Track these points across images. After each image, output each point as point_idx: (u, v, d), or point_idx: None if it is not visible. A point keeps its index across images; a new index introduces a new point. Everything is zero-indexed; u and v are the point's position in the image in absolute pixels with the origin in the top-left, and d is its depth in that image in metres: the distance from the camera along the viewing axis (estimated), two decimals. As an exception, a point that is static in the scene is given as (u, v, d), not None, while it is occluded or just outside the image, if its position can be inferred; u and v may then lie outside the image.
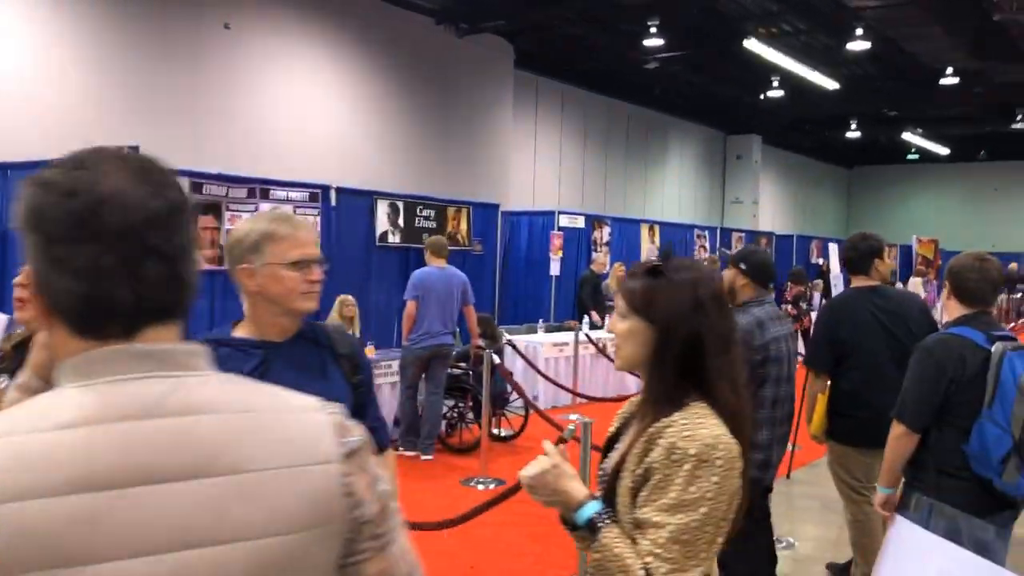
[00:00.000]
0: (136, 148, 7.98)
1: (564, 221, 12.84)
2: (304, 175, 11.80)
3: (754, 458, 3.88)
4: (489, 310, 12.07)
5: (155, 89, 14.84)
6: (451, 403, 7.83)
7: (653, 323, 1.82)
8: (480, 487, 6.62)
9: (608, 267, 11.96)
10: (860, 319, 4.41)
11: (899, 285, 17.57)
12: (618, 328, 1.90)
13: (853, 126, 24.55)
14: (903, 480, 3.49)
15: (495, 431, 8.06)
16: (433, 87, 18.69)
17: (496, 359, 6.95)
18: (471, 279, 11.51)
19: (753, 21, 17.31)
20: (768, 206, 27.00)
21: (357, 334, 8.44)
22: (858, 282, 4.59)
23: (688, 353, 1.77)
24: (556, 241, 12.59)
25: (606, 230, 13.69)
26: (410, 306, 7.29)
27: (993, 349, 3.24)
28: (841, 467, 4.52)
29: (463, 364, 7.84)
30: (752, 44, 17.18)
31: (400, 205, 10.71)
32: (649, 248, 14.62)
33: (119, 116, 14.23)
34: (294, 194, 9.57)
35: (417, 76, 18.37)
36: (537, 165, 21.91)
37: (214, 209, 8.79)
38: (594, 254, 12.03)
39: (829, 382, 4.48)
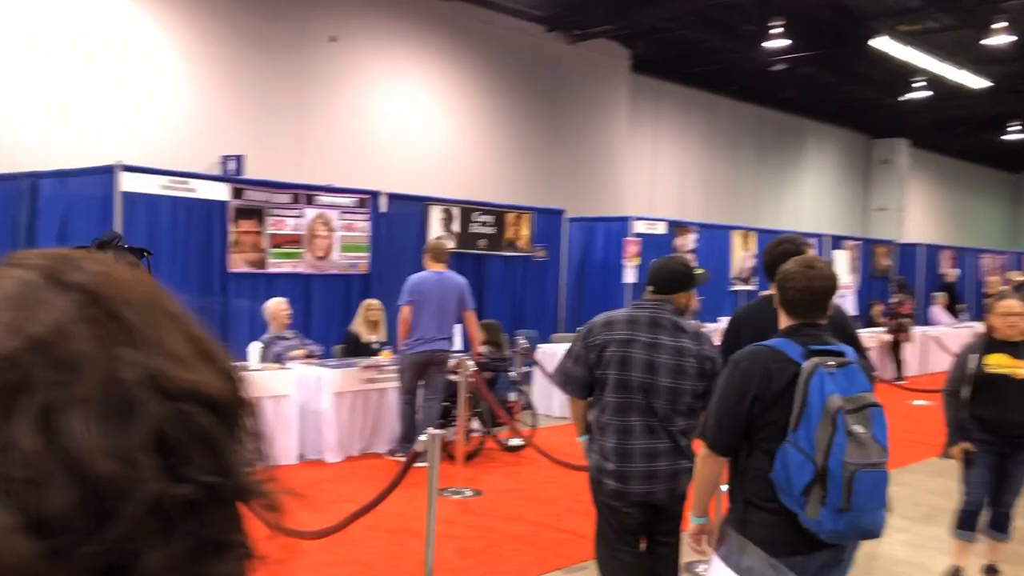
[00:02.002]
0: (239, 159, 8.45)
1: (641, 227, 12.40)
2: (406, 187, 12.01)
3: (606, 467, 3.57)
4: (552, 318, 11.84)
5: (262, 101, 15.54)
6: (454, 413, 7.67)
7: None
8: (453, 496, 6.44)
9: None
10: (763, 330, 3.96)
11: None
12: None
13: (1015, 127, 22.48)
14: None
15: (512, 441, 7.84)
16: (543, 95, 18.60)
17: (472, 367, 6.73)
18: (531, 286, 11.44)
19: (888, 18, 16.15)
20: (917, 214, 25.15)
21: (382, 339, 8.45)
22: (773, 291, 4.12)
23: None
24: (631, 247, 12.20)
25: (691, 237, 13.12)
26: (404, 311, 7.20)
27: (804, 365, 2.81)
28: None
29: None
30: (884, 43, 16.05)
31: (455, 211, 10.67)
32: (742, 256, 13.89)
33: (227, 128, 15.00)
34: (341, 199, 9.71)
35: (526, 84, 18.34)
36: (658, 173, 21.39)
37: (256, 214, 9.05)
38: (660, 262, 11.53)
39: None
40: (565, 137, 18.82)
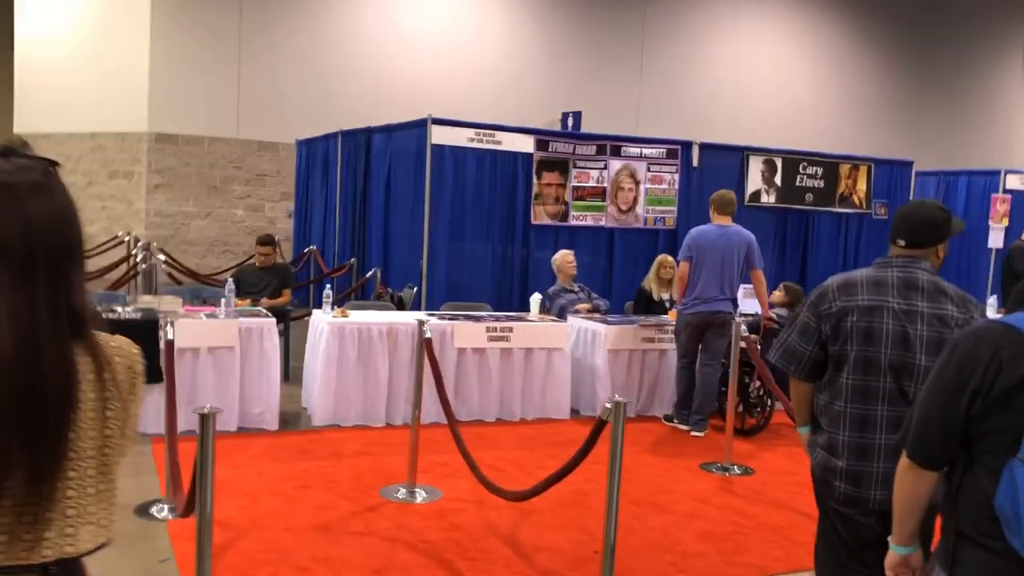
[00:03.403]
0: (579, 114, 8.79)
1: (1014, 182, 10.50)
2: (754, 138, 11.35)
3: (836, 465, 2.92)
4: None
5: (601, 55, 15.50)
6: (746, 381, 6.99)
7: None
8: (717, 473, 5.86)
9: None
10: None
11: None
12: None
13: None
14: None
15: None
16: (915, 38, 16.55)
17: (745, 330, 6.01)
18: (869, 247, 10.16)
19: None
20: None
21: (678, 301, 7.97)
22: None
23: None
24: (999, 206, 10.41)
25: (1081, 195, 10.85)
26: (682, 267, 6.66)
27: None
28: None
29: (753, 337, 6.91)
30: None
31: (778, 162, 9.75)
32: None
33: (568, 85, 15.17)
34: (649, 150, 9.29)
35: (895, 27, 16.42)
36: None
37: (560, 166, 8.95)
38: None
39: None
40: (934, 80, 16.59)
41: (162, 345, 4.83)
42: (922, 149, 13.50)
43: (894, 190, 10.14)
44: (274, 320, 6.16)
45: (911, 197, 10.39)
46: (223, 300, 6.18)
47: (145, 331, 4.91)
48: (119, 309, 5.97)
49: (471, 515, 4.85)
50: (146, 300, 6.15)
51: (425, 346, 4.94)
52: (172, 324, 4.59)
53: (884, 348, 2.85)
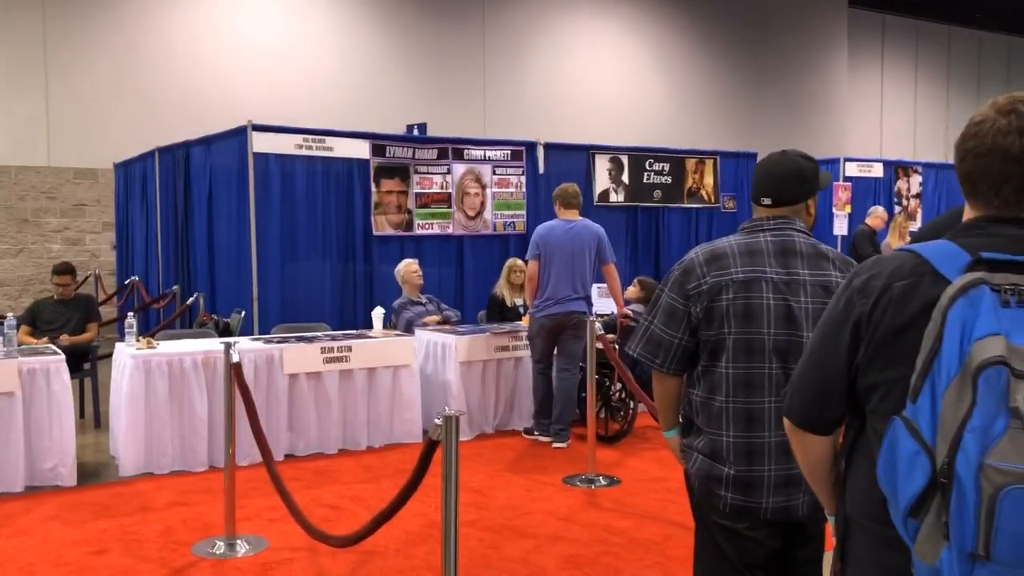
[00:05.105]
0: (424, 126, 7.99)
1: (853, 170, 10.62)
2: (602, 139, 11.00)
3: (721, 472, 2.43)
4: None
5: (443, 65, 15.02)
6: (607, 384, 6.55)
7: None
8: (582, 486, 5.37)
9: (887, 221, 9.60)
10: None
11: None
12: None
13: None
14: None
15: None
16: (747, 35, 16.87)
17: (600, 329, 5.59)
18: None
19: None
20: None
21: (529, 303, 7.49)
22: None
23: None
24: (841, 194, 10.48)
25: (915, 179, 11.11)
26: (531, 267, 6.18)
27: (952, 284, 1.48)
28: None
29: (611, 337, 6.49)
30: None
31: (624, 159, 9.47)
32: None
33: (404, 95, 14.61)
34: (493, 152, 8.82)
35: (727, 25, 16.70)
36: (885, 113, 18.93)
37: (400, 172, 8.35)
38: (874, 207, 9.70)
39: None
40: (768, 77, 16.98)
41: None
42: (764, 142, 13.63)
43: (741, 182, 10.05)
44: (63, 358, 5.27)
45: (758, 188, 10.35)
46: (0, 339, 5.25)
47: None
48: None
49: (301, 565, 4.15)
50: (-99, 345, 5.14)
51: (235, 372, 4.22)
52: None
53: (767, 327, 2.36)
